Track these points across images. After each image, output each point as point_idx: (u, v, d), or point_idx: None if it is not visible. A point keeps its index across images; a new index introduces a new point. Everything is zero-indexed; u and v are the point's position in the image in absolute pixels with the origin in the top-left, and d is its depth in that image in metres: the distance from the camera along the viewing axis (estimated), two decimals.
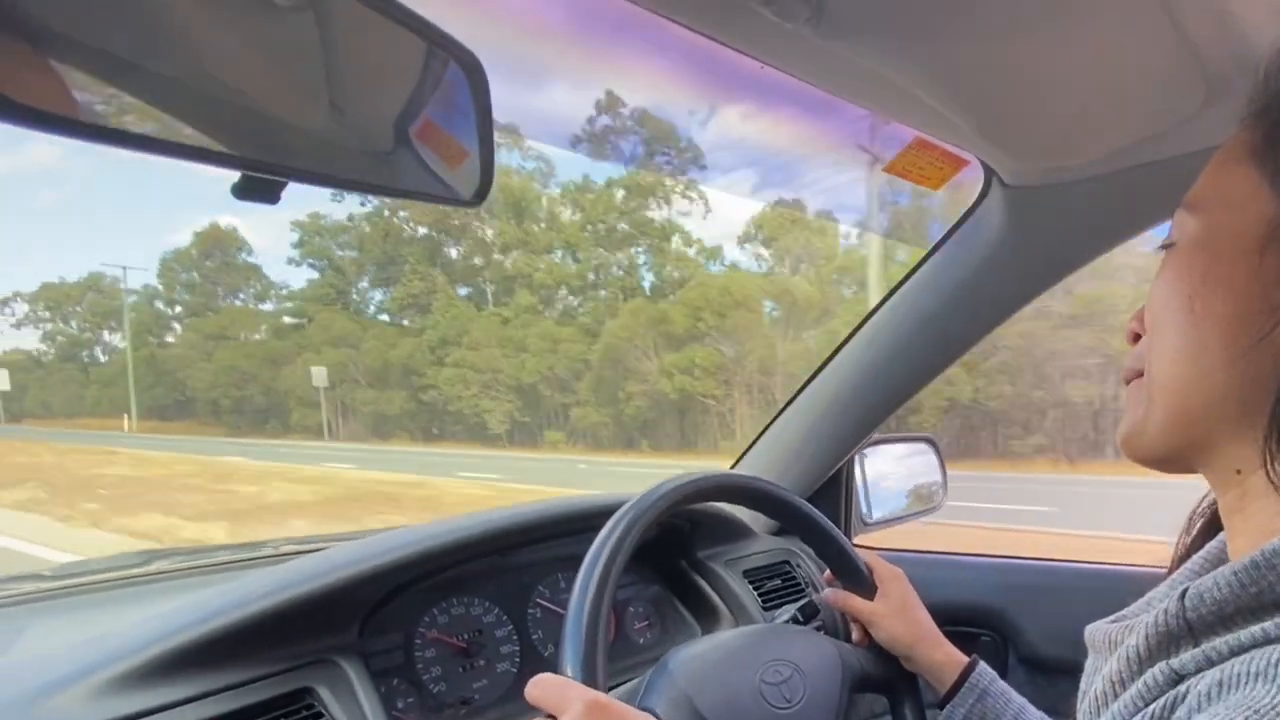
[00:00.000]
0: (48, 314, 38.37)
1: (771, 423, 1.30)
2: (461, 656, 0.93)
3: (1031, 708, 0.79)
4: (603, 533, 0.69)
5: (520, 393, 26.92)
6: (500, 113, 0.53)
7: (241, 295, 36.02)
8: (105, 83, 0.38)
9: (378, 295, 33.43)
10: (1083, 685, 0.51)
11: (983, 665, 0.80)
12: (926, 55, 0.68)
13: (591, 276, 30.10)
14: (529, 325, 28.24)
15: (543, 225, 30.93)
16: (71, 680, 0.65)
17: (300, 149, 0.46)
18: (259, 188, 0.43)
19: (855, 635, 0.88)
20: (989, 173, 0.93)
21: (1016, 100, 0.76)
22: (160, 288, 36.55)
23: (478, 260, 32.15)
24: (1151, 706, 0.40)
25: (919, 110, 0.76)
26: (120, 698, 0.65)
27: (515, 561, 1.00)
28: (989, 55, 0.69)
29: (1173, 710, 0.38)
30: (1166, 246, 0.48)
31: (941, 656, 0.81)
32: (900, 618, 0.83)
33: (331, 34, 0.45)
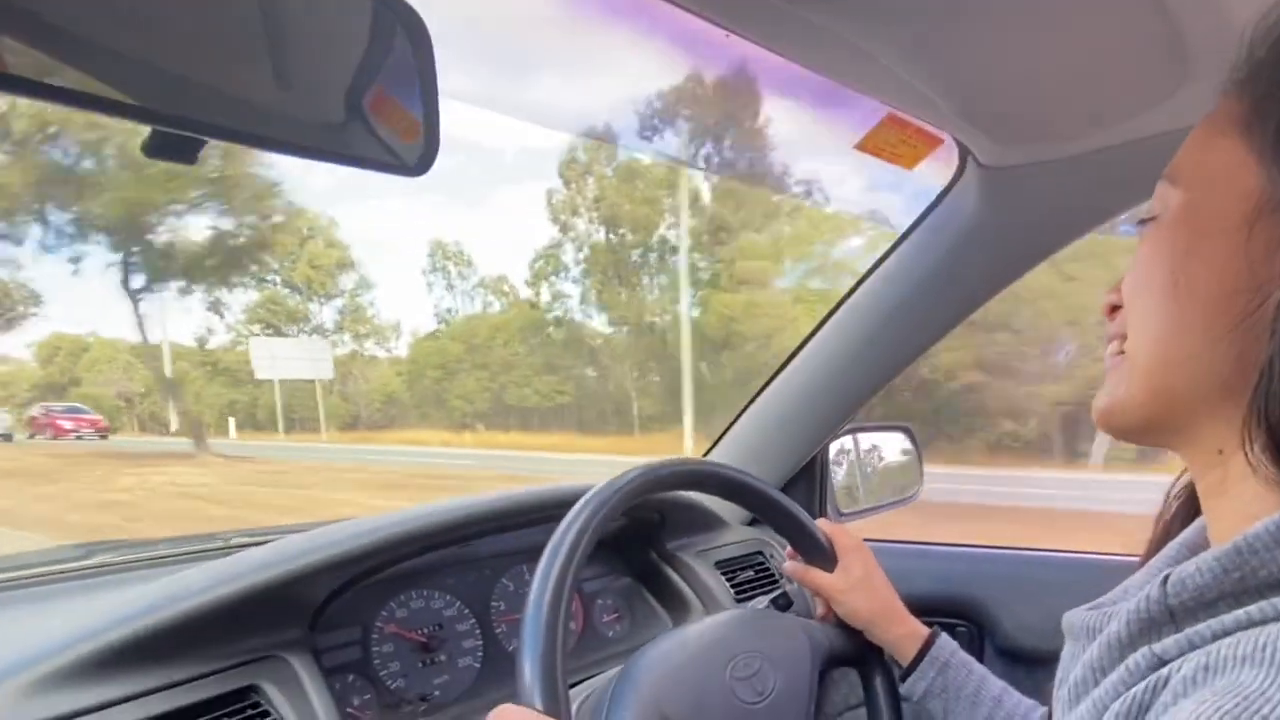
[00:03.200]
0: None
1: (744, 410, 1.28)
2: (421, 651, 0.90)
3: (993, 678, 0.78)
4: (562, 525, 0.66)
5: None
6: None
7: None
8: (30, 34, 0.35)
9: None
10: (1060, 673, 0.50)
11: (944, 638, 0.80)
12: (906, 30, 0.65)
13: None
14: None
15: None
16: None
17: (241, 111, 0.42)
18: (174, 146, 0.40)
19: (819, 610, 0.86)
20: (964, 153, 0.91)
21: (995, 78, 0.74)
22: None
23: None
24: (1134, 690, 0.39)
25: (895, 86, 0.73)
26: (52, 696, 0.62)
27: (477, 552, 0.97)
28: (969, 32, 0.67)
29: (1156, 694, 0.38)
30: (1146, 221, 0.47)
31: (902, 630, 0.80)
32: (861, 591, 0.81)
33: None
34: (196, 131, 0.41)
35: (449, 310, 21.77)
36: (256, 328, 20.39)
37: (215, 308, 19.76)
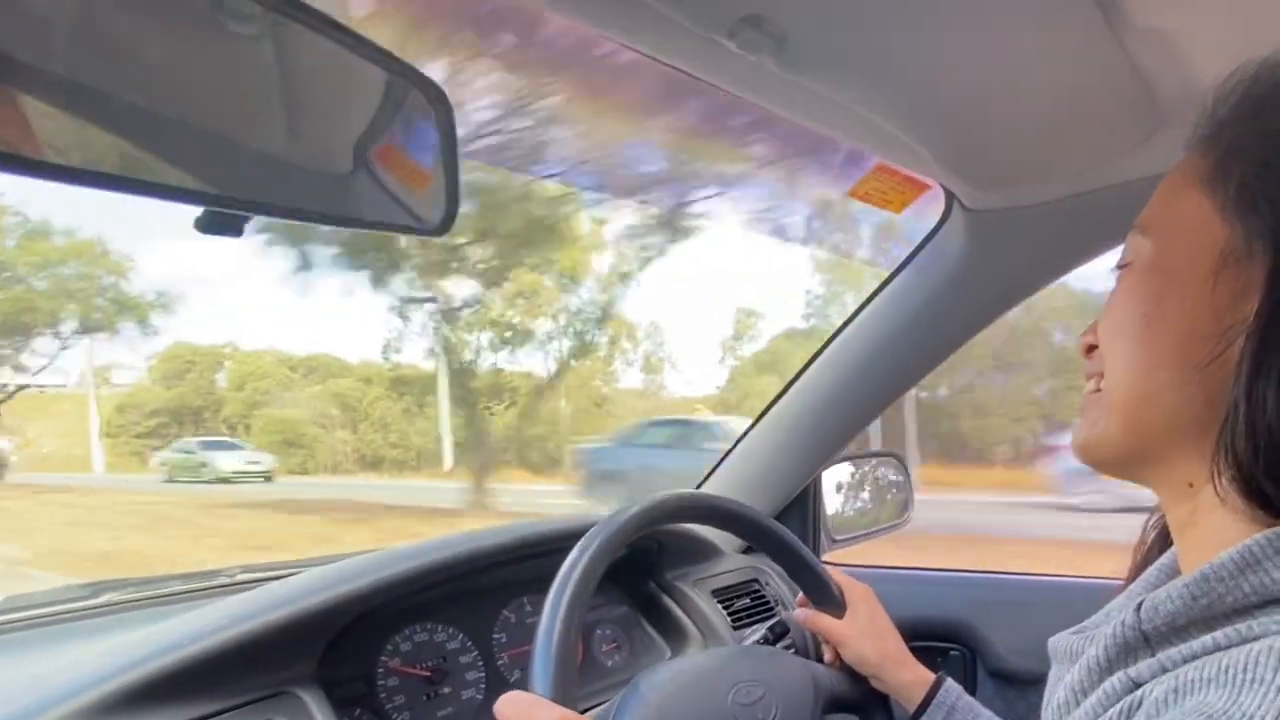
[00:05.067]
0: None
1: (738, 441, 1.30)
2: (425, 684, 0.91)
3: None
4: (571, 555, 0.68)
5: None
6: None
7: None
8: (63, 119, 0.37)
9: None
10: (1046, 695, 0.52)
11: (950, 683, 0.81)
12: (886, 86, 0.69)
13: None
14: None
15: None
16: None
17: (261, 182, 0.45)
18: (222, 222, 0.43)
19: (827, 656, 0.88)
20: (950, 196, 0.95)
21: (974, 129, 0.78)
22: None
23: None
24: (1110, 711, 0.41)
25: (880, 138, 0.77)
26: None
27: (479, 585, 0.99)
28: (946, 86, 0.70)
29: (1130, 716, 0.40)
30: (1122, 267, 0.50)
31: (909, 676, 0.81)
32: (868, 637, 0.83)
33: (292, 65, 0.44)
34: (233, 208, 0.44)
35: None
36: (480, 334, 13.58)
37: (402, 310, 12.71)
